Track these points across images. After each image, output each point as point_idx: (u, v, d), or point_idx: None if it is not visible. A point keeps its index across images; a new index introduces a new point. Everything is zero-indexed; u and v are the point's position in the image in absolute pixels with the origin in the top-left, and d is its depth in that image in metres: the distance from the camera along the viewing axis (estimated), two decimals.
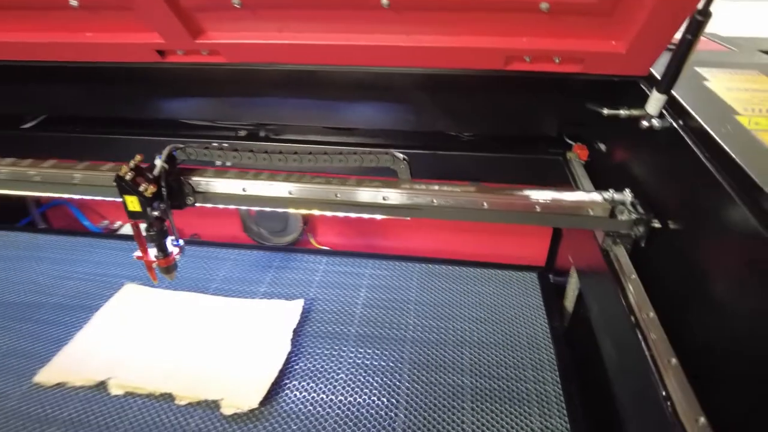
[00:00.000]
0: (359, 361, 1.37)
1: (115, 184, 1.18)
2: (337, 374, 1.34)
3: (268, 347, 1.40)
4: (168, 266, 1.33)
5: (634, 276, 1.10)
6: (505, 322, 1.51)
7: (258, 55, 1.37)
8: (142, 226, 1.28)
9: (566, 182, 1.61)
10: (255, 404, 1.24)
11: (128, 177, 1.18)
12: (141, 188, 1.18)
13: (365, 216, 1.28)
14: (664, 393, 0.85)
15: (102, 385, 1.32)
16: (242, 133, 1.85)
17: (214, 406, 1.26)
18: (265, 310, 1.53)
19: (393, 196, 1.23)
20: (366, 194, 1.24)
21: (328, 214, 1.30)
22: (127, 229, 2.25)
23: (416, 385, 1.31)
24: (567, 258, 1.74)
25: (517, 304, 1.57)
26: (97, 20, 1.35)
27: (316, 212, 1.31)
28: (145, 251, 1.31)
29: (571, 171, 1.59)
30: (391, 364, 1.36)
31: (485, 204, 1.20)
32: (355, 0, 1.16)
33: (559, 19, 1.17)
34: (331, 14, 1.23)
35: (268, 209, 1.33)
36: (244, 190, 1.27)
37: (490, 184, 1.72)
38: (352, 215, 1.29)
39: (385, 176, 1.29)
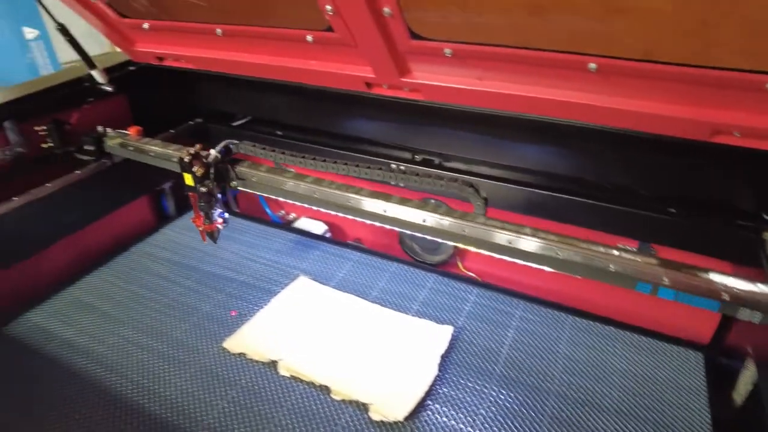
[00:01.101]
0: (501, 402, 1.41)
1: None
2: (478, 409, 1.39)
3: (417, 366, 1.50)
4: (211, 232, 1.70)
5: None
6: (658, 398, 1.43)
7: (455, 97, 1.47)
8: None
9: (756, 264, 1.47)
10: (400, 417, 1.34)
11: (186, 159, 1.55)
12: (194, 169, 1.55)
13: (534, 266, 1.31)
14: None
15: (273, 364, 1.54)
16: (418, 158, 1.98)
17: (363, 408, 1.39)
18: (416, 328, 1.64)
19: (564, 252, 1.25)
20: (532, 244, 1.27)
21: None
22: (300, 223, 2.54)
23: None
24: (741, 341, 1.59)
25: (676, 382, 1.48)
26: (323, 52, 1.56)
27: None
28: (198, 217, 1.67)
29: (766, 253, 1.45)
30: (532, 413, 1.38)
31: (666, 279, 1.16)
32: (563, 62, 1.20)
33: None
34: (536, 70, 1.28)
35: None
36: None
37: (668, 249, 1.65)
38: (519, 262, 1.33)
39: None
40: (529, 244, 1.27)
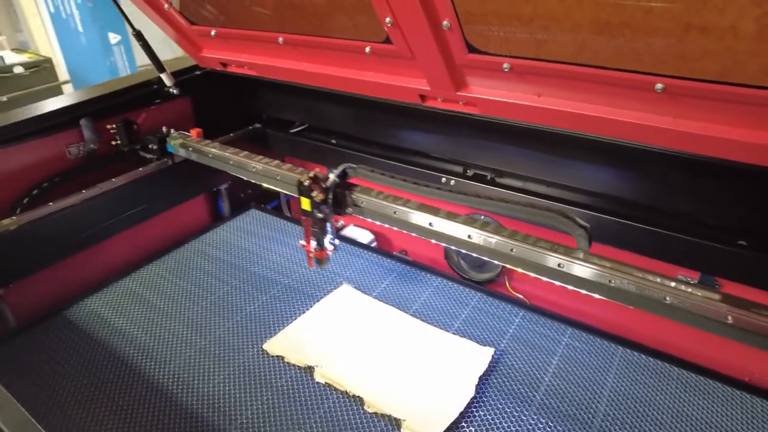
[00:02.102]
0: (538, 431, 1.35)
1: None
2: None
3: (453, 385, 1.46)
4: (321, 258, 1.61)
5: None
6: None
7: (511, 113, 1.44)
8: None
9: None
10: None
11: (306, 183, 1.48)
12: (313, 194, 1.47)
13: (582, 291, 1.25)
14: None
15: (310, 370, 1.54)
16: (470, 172, 1.95)
17: (395, 423, 1.37)
18: (456, 347, 1.60)
19: (617, 280, 1.18)
20: (585, 270, 1.21)
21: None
22: (349, 231, 2.55)
23: None
24: None
25: (737, 431, 1.36)
26: (380, 63, 1.57)
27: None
28: (308, 242, 1.60)
29: None
30: None
31: (729, 318, 1.07)
32: (628, 81, 1.15)
33: None
34: (598, 89, 1.23)
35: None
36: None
37: (734, 285, 1.54)
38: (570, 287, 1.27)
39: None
40: (581, 269, 1.21)
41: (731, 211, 1.60)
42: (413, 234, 1.50)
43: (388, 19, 1.32)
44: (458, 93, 1.47)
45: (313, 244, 1.59)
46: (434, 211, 1.43)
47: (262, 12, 1.64)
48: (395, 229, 1.53)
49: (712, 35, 0.97)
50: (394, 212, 1.48)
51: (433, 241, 1.46)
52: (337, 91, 1.84)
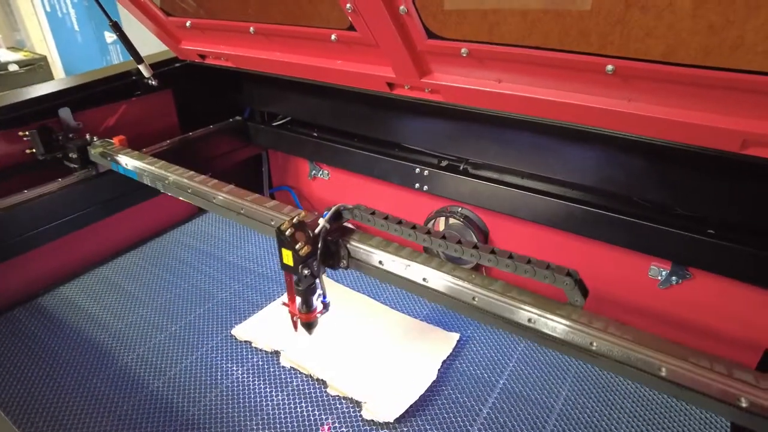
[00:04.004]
0: (497, 415, 1.35)
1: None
2: (475, 418, 1.34)
3: (416, 369, 1.47)
4: (309, 322, 1.28)
5: None
6: (672, 429, 1.32)
7: (474, 100, 1.45)
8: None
9: None
10: (390, 419, 1.32)
11: (288, 232, 1.15)
12: (297, 246, 1.14)
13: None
14: None
15: (276, 354, 1.55)
16: (444, 163, 1.96)
17: (356, 406, 1.38)
18: (422, 332, 1.61)
19: (541, 321, 1.05)
20: (503, 307, 1.10)
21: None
22: None
23: None
24: None
25: (698, 414, 1.36)
26: (347, 52, 1.59)
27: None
28: (292, 301, 1.27)
29: None
30: (530, 429, 1.31)
31: (663, 371, 0.94)
32: (580, 64, 1.16)
33: None
34: (553, 72, 1.24)
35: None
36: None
37: (704, 273, 1.52)
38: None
39: None
40: (494, 304, 1.11)
41: (701, 200, 1.60)
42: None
43: (348, 6, 1.33)
44: (422, 80, 1.48)
45: (299, 304, 1.27)
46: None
47: (232, 1, 1.66)
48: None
49: (652, 13, 0.98)
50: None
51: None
52: (317, 83, 1.84)
